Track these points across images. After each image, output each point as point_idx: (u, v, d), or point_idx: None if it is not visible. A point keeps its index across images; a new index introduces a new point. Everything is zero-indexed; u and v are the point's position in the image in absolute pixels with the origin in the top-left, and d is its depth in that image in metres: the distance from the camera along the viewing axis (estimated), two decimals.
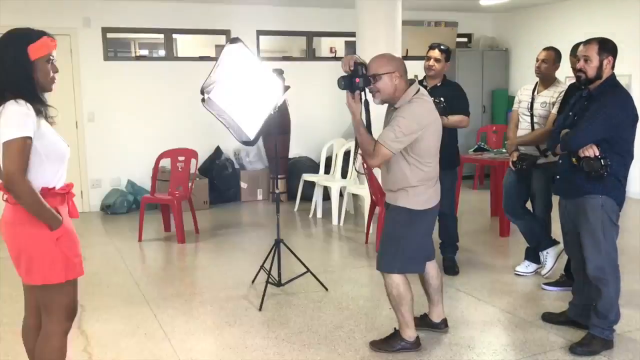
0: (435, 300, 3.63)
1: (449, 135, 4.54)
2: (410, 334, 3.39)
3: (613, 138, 3.15)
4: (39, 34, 2.36)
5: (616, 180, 3.21)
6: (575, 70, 3.34)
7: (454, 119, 4.52)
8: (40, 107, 2.32)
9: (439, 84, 4.63)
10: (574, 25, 8.20)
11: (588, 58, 3.21)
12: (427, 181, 3.23)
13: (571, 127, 3.28)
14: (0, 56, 2.31)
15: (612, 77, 3.24)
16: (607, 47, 3.21)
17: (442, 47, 4.57)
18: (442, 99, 4.40)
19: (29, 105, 2.26)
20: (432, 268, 3.57)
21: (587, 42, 3.27)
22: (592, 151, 3.16)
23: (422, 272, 3.48)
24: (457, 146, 4.81)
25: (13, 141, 2.20)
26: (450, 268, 4.76)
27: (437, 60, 4.55)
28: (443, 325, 3.66)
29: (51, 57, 2.38)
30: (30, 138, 2.24)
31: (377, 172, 5.02)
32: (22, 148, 2.21)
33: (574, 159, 3.25)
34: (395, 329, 3.49)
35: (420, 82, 4.68)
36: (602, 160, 3.13)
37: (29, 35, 2.34)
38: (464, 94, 4.70)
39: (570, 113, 3.36)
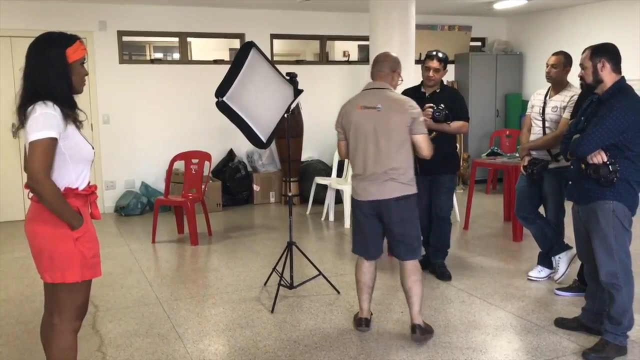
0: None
1: (447, 141, 4.56)
2: (359, 313, 3.79)
3: (622, 143, 3.13)
4: (74, 38, 2.42)
5: (628, 185, 3.19)
6: None
7: (455, 125, 4.52)
8: (69, 111, 2.37)
9: (438, 90, 4.61)
10: (587, 29, 8.16)
11: (583, 65, 3.28)
12: (354, 171, 3.61)
13: (582, 131, 3.27)
14: (37, 59, 2.36)
15: (621, 81, 3.23)
16: (598, 51, 3.24)
17: (440, 56, 4.50)
18: (442, 105, 4.39)
19: (56, 107, 2.31)
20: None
21: (583, 51, 3.34)
22: (600, 157, 3.15)
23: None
24: (456, 152, 4.85)
25: (38, 141, 2.25)
26: (443, 274, 4.72)
27: (436, 70, 4.49)
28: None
29: (84, 60, 2.46)
30: (55, 139, 2.29)
31: None
32: (46, 148, 2.26)
33: (582, 165, 3.24)
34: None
35: (418, 88, 4.68)
36: (610, 167, 3.12)
37: (66, 39, 2.40)
38: (463, 100, 4.74)
39: (582, 118, 3.35)
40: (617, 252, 3.24)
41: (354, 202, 3.64)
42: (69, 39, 2.40)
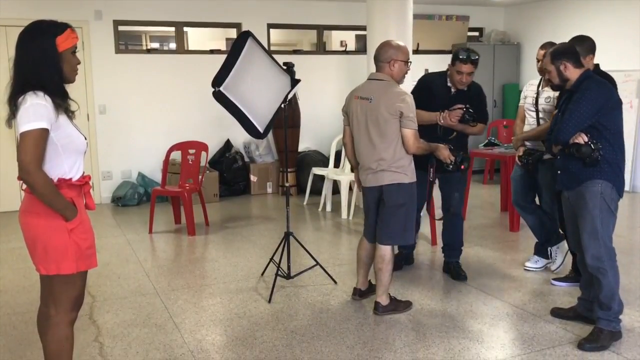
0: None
1: (464, 141, 4.38)
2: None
3: (599, 122, 3.23)
4: (64, 26, 2.38)
5: (614, 165, 3.28)
6: None
7: (478, 127, 4.24)
8: (60, 101, 2.34)
9: (465, 88, 4.26)
10: (585, 19, 8.13)
11: (547, 70, 3.44)
12: (357, 159, 3.83)
13: None
14: (27, 48, 2.32)
15: (586, 72, 3.36)
16: (557, 55, 3.37)
17: (473, 58, 4.08)
18: (467, 105, 4.14)
19: (47, 97, 2.28)
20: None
21: (544, 54, 3.50)
22: (581, 139, 3.23)
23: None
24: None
25: (29, 132, 2.22)
26: (459, 275, 4.48)
27: (469, 74, 4.12)
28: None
29: (75, 49, 2.42)
30: (46, 130, 2.26)
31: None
32: (37, 139, 2.23)
33: (566, 150, 3.31)
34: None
35: (444, 79, 4.30)
36: (592, 145, 3.20)
37: (55, 27, 2.36)
38: (486, 99, 4.43)
39: (559, 114, 3.44)
40: (602, 235, 3.30)
41: (362, 188, 3.91)
42: (59, 27, 2.36)
